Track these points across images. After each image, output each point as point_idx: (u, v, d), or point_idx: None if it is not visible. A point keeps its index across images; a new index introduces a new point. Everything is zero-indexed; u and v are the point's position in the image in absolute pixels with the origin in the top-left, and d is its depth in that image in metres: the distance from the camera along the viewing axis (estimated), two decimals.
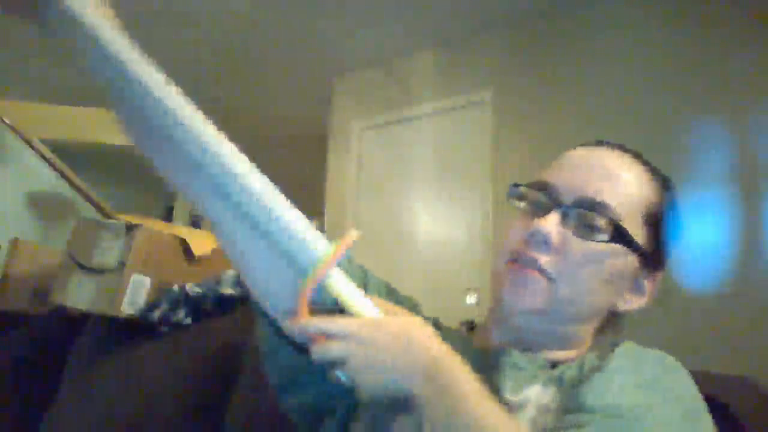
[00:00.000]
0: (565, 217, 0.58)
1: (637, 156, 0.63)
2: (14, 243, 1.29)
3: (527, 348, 0.59)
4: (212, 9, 3.05)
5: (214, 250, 1.14)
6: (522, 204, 0.62)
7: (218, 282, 1.05)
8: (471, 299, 2.80)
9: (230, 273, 1.06)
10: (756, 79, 2.30)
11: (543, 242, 0.57)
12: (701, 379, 0.54)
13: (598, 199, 0.58)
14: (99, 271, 1.03)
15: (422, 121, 3.28)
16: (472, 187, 2.99)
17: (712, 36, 2.42)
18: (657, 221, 0.61)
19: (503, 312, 0.60)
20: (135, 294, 1.02)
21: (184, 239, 1.13)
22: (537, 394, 0.55)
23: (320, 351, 0.49)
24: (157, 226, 1.16)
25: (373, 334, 0.48)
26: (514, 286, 0.58)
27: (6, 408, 1.15)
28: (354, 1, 2.95)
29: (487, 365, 0.57)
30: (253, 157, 0.51)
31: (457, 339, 0.61)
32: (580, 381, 0.54)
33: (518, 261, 0.58)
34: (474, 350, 0.61)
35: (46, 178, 1.45)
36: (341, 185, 3.57)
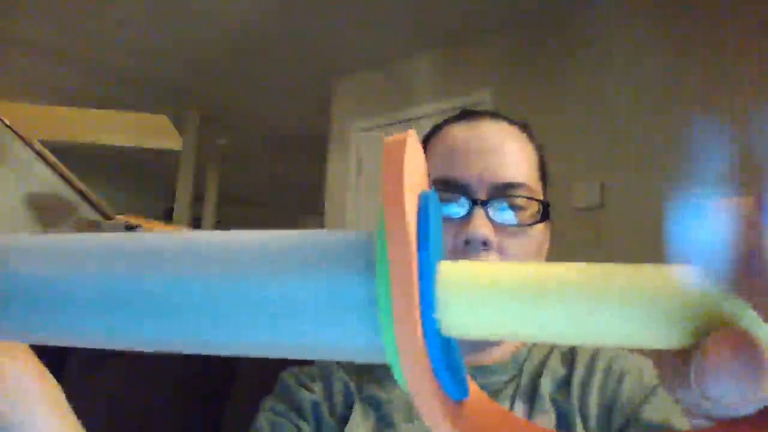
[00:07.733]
0: (488, 211, 0.55)
1: (500, 116, 0.62)
2: None
3: (479, 348, 0.58)
4: (213, 10, 3.05)
5: None
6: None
7: None
8: None
9: None
10: (756, 79, 2.30)
11: (481, 244, 0.53)
12: None
13: (510, 180, 0.56)
14: None
15: (422, 122, 3.28)
16: None
17: (712, 36, 2.42)
18: (544, 172, 0.61)
19: None
20: None
21: None
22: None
23: None
24: (157, 226, 1.16)
25: None
26: None
27: None
28: (353, 3, 2.95)
29: None
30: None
31: None
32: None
33: None
34: None
35: (46, 179, 1.45)
36: (341, 185, 3.57)
